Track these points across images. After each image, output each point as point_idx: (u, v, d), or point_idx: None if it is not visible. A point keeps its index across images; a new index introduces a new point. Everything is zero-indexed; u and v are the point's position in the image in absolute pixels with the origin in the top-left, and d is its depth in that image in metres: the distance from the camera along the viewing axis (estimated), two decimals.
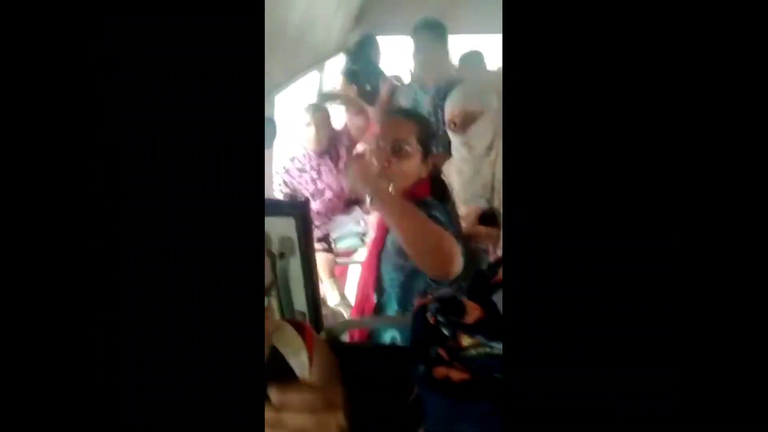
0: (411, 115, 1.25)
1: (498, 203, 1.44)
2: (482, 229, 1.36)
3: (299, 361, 0.62)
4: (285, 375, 0.57)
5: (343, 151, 2.18)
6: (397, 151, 1.13)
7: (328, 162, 2.15)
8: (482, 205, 1.43)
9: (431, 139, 1.21)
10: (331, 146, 2.14)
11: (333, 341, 0.87)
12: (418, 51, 2.04)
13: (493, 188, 1.44)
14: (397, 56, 2.82)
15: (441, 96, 2.01)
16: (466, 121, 1.37)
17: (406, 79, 2.38)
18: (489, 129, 1.37)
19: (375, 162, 1.14)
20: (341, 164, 2.12)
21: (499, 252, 1.37)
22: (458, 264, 0.91)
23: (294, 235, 1.00)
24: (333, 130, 2.18)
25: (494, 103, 1.38)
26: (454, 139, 1.43)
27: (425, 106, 2.06)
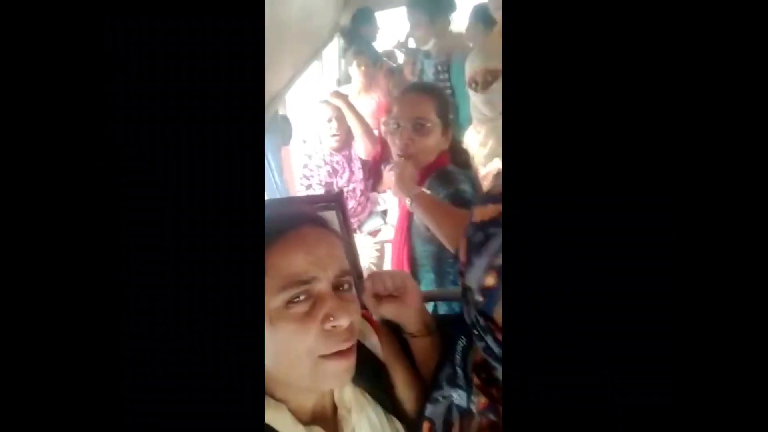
0: (427, 89, 1.23)
1: None
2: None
3: (372, 343, 0.66)
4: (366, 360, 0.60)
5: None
6: (418, 129, 1.14)
7: (347, 154, 2.16)
8: (498, 164, 1.47)
9: (449, 111, 1.21)
10: (350, 139, 2.17)
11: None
12: (415, 24, 2.05)
13: None
14: (393, 29, 2.80)
15: (445, 65, 2.03)
16: (488, 80, 1.39)
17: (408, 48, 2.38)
18: None
19: (398, 142, 1.16)
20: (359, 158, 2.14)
21: None
22: None
23: (338, 227, 1.05)
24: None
25: None
26: (475, 99, 1.46)
27: (430, 75, 2.07)
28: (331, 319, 0.51)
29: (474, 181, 1.19)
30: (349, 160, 2.15)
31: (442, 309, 1.11)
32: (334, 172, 2.14)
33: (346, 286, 0.55)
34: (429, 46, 2.10)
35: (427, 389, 0.62)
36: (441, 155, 1.19)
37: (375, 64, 2.36)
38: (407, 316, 0.67)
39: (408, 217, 1.22)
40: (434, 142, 1.17)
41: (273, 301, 0.50)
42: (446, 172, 1.15)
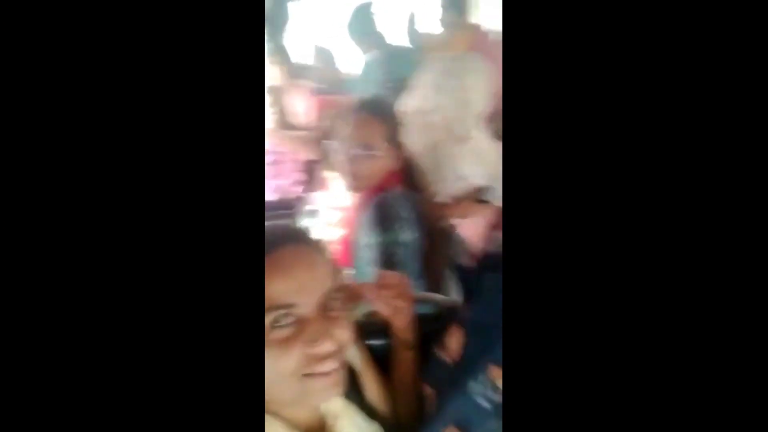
0: (377, 111, 1.14)
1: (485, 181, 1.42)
2: (476, 206, 1.33)
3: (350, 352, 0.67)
4: None
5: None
6: (364, 154, 1.07)
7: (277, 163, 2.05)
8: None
9: (399, 133, 1.14)
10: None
11: None
12: (357, 34, 2.07)
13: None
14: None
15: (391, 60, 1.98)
16: None
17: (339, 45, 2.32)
18: None
19: (341, 158, 1.10)
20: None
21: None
22: None
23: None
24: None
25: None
26: None
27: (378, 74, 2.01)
28: (314, 344, 0.51)
29: (418, 207, 1.10)
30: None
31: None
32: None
33: (336, 304, 0.54)
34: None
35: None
36: (389, 176, 1.11)
37: (291, 63, 2.26)
38: (394, 323, 0.71)
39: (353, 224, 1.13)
40: (382, 165, 1.09)
41: None
42: (387, 193, 1.07)
